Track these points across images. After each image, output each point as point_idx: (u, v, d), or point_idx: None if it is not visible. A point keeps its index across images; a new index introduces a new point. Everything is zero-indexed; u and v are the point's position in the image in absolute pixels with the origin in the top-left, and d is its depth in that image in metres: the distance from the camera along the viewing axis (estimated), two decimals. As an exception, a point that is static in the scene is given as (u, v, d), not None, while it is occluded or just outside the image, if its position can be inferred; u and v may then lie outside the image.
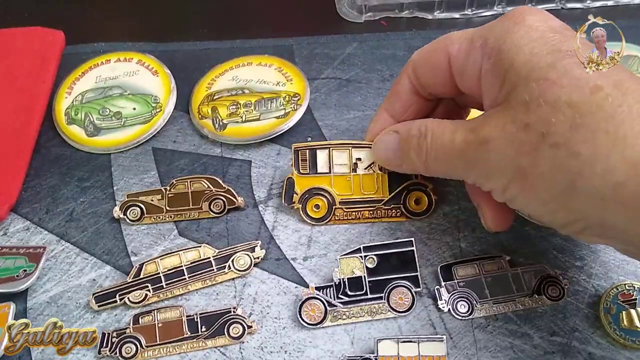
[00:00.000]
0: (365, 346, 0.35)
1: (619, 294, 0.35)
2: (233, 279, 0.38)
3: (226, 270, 0.37)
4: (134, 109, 0.45)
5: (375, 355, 0.34)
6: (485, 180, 0.31)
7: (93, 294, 0.37)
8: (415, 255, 0.36)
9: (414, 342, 0.34)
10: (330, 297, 0.36)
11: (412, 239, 0.37)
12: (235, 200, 0.40)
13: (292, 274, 0.38)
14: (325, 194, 0.39)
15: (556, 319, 0.35)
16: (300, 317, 0.35)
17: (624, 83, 0.27)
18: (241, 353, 0.35)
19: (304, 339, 0.35)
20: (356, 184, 0.39)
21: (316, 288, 0.36)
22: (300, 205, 0.39)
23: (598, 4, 0.50)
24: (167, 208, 0.40)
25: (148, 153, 0.44)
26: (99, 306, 0.36)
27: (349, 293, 0.36)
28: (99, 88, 0.46)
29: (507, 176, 0.29)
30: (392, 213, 0.39)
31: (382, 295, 0.36)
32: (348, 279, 0.36)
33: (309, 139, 0.43)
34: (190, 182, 0.41)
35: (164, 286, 0.37)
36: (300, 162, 0.40)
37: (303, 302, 0.36)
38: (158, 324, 0.36)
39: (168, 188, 0.41)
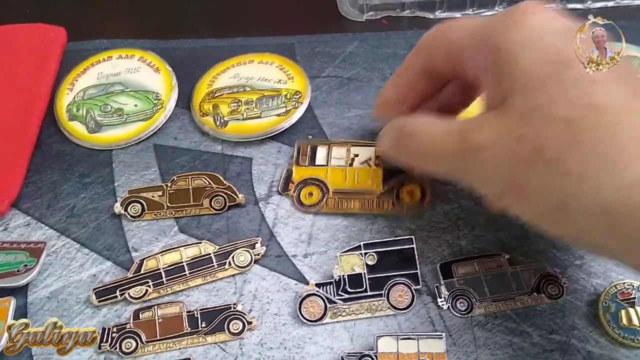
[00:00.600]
0: (365, 343, 0.35)
1: (618, 293, 0.35)
2: (233, 275, 0.38)
3: (226, 266, 0.38)
4: (136, 105, 0.45)
5: (375, 352, 0.34)
6: (480, 186, 0.31)
7: (93, 290, 0.37)
8: (415, 253, 0.36)
9: (413, 339, 0.34)
10: (330, 294, 0.36)
11: (412, 236, 0.37)
12: (236, 197, 0.40)
13: (292, 271, 0.38)
14: (320, 184, 0.40)
15: (555, 317, 0.35)
16: (300, 313, 0.35)
17: (625, 103, 0.26)
18: (241, 349, 0.35)
19: (304, 336, 0.35)
20: (351, 176, 0.40)
21: (316, 285, 0.36)
22: (295, 194, 0.40)
23: (599, 4, 0.50)
24: (168, 204, 0.40)
25: (149, 150, 0.44)
26: (99, 301, 0.36)
27: (349, 290, 0.36)
28: (100, 84, 0.47)
29: (501, 185, 0.29)
30: (383, 205, 0.39)
31: (382, 292, 0.36)
32: (348, 276, 0.36)
33: (310, 136, 0.43)
34: (191, 178, 0.41)
35: (165, 282, 0.37)
36: (300, 155, 0.41)
37: (303, 299, 0.36)
38: (158, 319, 0.36)
39: (169, 184, 0.41)
